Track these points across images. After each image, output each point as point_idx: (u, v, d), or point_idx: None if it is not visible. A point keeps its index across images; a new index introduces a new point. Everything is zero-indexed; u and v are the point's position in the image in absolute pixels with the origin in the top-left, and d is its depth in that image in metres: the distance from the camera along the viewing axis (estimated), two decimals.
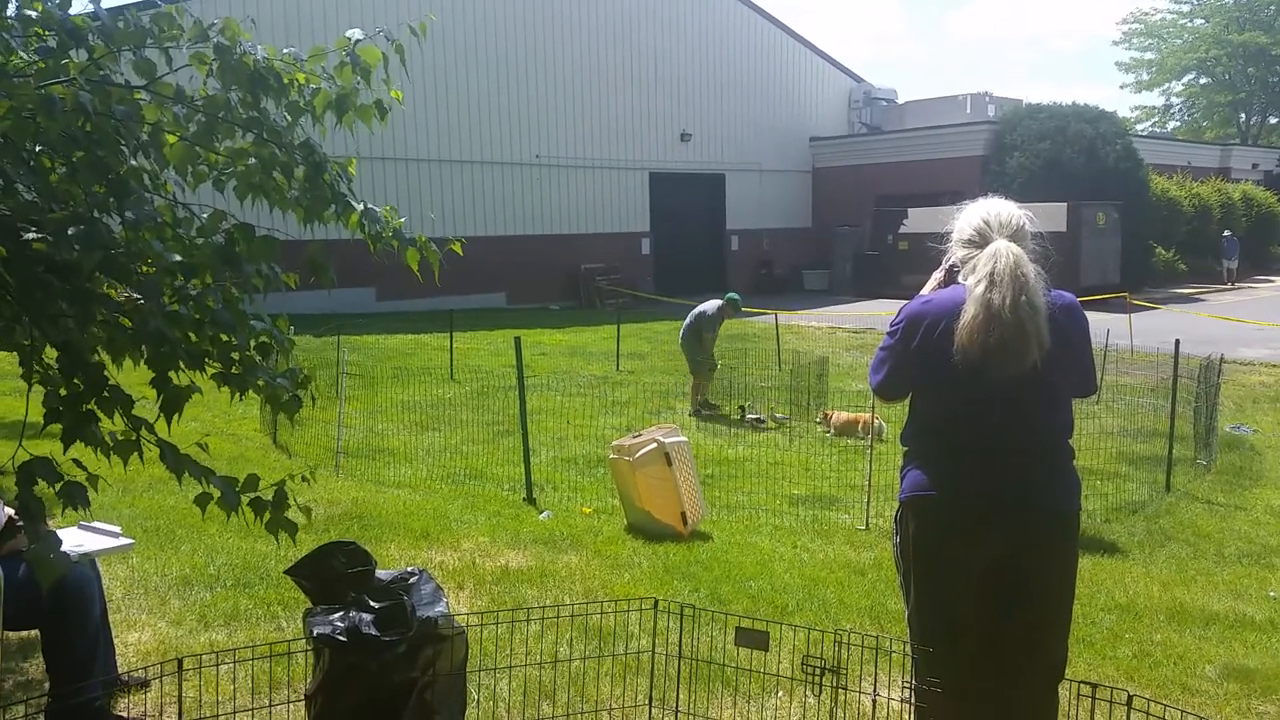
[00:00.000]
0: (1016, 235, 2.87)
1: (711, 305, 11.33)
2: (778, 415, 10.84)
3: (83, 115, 2.27)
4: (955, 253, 2.97)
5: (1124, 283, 22.60)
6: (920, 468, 2.93)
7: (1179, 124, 55.09)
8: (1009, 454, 2.80)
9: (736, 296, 11.53)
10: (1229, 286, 27.50)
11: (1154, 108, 55.72)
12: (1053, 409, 2.85)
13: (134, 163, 2.46)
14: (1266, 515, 7.21)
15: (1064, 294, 2.86)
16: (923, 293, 3.04)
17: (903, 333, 2.93)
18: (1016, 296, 2.68)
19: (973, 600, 2.86)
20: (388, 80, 2.72)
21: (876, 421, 9.81)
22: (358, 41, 2.67)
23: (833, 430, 10.18)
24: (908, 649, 3.08)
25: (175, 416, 2.39)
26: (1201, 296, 25.26)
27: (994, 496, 2.80)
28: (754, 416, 10.71)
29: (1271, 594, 5.52)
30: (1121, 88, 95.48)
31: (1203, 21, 49.79)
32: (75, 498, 2.21)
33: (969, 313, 2.72)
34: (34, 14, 2.43)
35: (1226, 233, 28.46)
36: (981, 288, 2.72)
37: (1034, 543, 2.81)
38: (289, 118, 2.66)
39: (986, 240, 2.86)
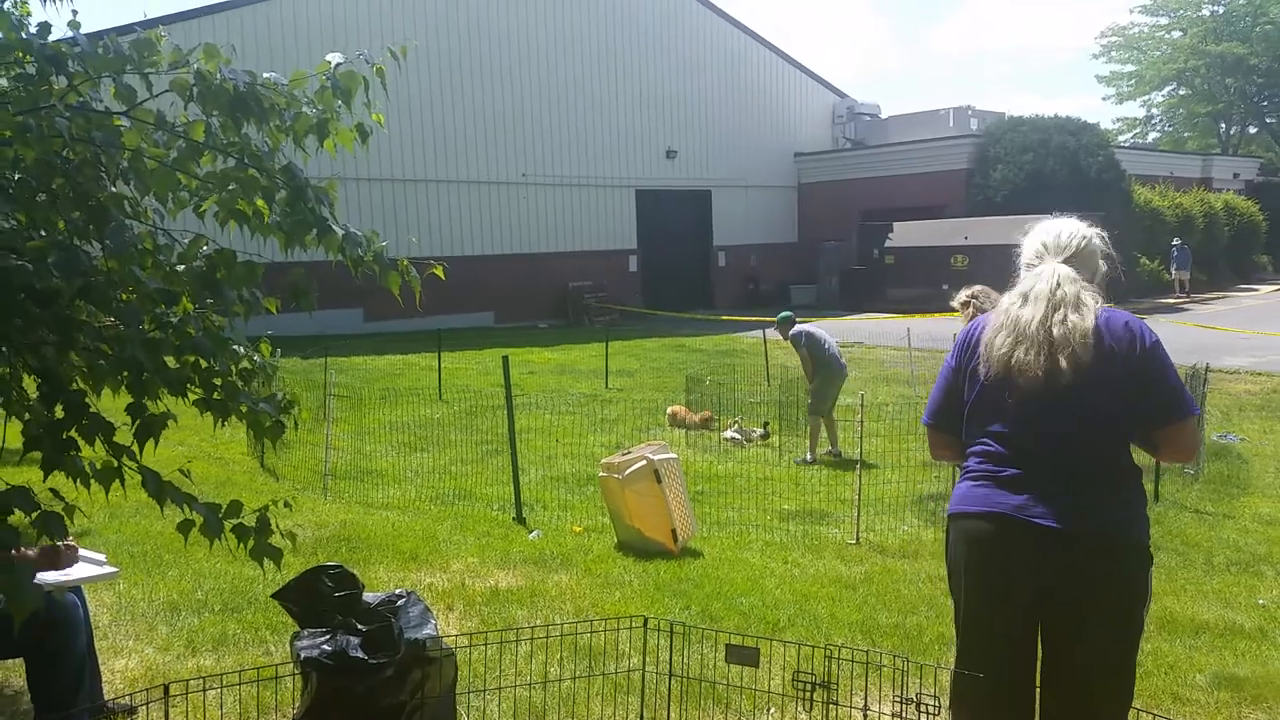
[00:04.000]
0: (1076, 256, 2.81)
1: None
2: (755, 433, 10.82)
3: (61, 141, 2.27)
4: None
5: (1108, 293, 22.69)
6: (967, 481, 2.83)
7: (1160, 135, 55.58)
8: (1049, 477, 2.66)
9: (781, 314, 10.58)
10: (1181, 298, 26.88)
11: (1135, 119, 56.32)
12: (1098, 433, 2.66)
13: (114, 189, 2.46)
14: (1255, 523, 7.24)
15: (1118, 313, 2.74)
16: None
17: (955, 354, 2.90)
18: (1050, 312, 2.64)
19: (1011, 624, 2.74)
20: (369, 104, 2.72)
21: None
22: (338, 66, 2.68)
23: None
24: (898, 663, 3.07)
25: (152, 443, 2.37)
26: (1186, 306, 25.41)
27: (1035, 519, 2.65)
28: (731, 435, 10.73)
29: (1261, 602, 5.54)
30: (1103, 99, 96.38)
31: (1180, 34, 50.29)
32: (52, 528, 2.19)
33: (994, 325, 2.72)
34: (12, 41, 2.43)
35: (1176, 241, 27.83)
36: (1014, 304, 2.72)
37: (1075, 572, 2.63)
38: (270, 142, 2.66)
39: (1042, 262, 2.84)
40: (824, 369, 9.77)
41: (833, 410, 9.95)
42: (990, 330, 2.72)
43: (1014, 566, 2.69)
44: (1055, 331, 2.61)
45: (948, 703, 2.89)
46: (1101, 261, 2.86)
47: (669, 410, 11.54)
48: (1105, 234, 2.91)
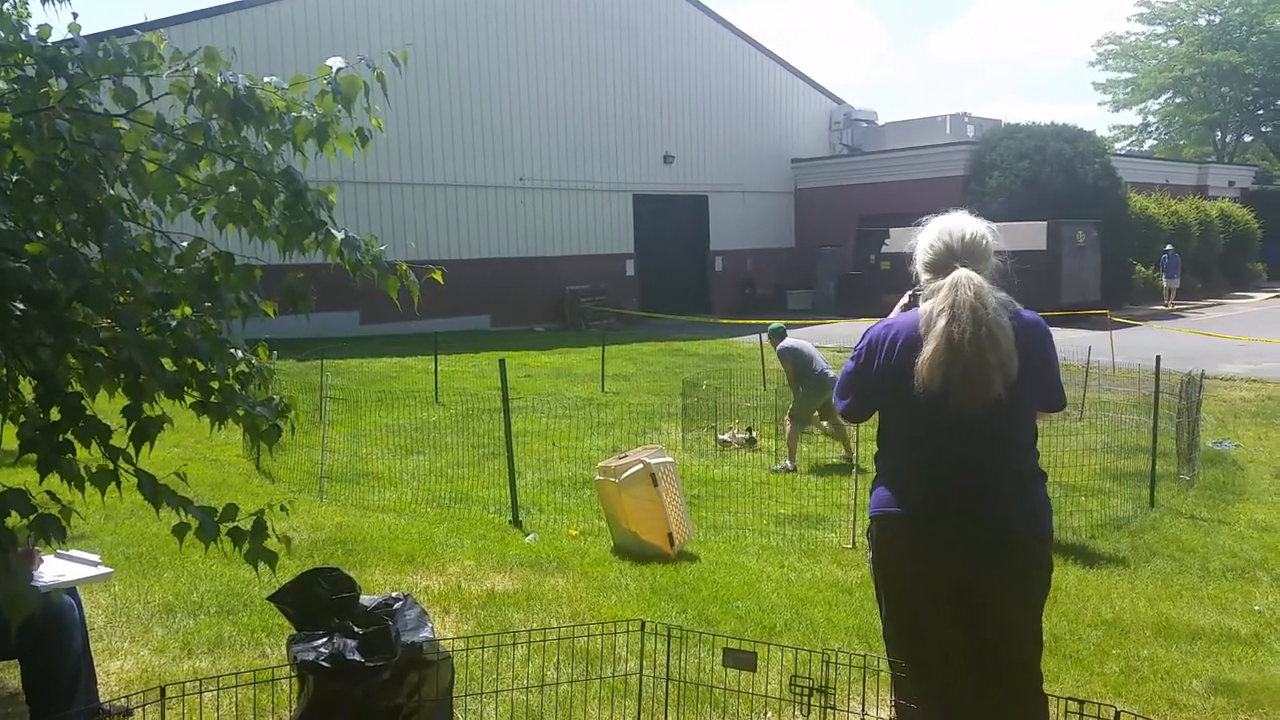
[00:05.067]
0: (977, 256, 2.87)
1: None
2: (741, 436, 10.87)
3: (61, 144, 2.27)
4: (919, 275, 2.97)
5: (1104, 300, 22.78)
6: (887, 484, 2.94)
7: (1156, 142, 55.70)
8: (970, 474, 2.80)
9: (773, 326, 10.72)
10: (1166, 307, 26.37)
11: (1132, 127, 56.38)
12: (1015, 430, 2.84)
13: (112, 191, 2.46)
14: (1250, 529, 7.25)
15: (1026, 312, 2.86)
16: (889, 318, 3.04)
17: (865, 355, 2.94)
18: (977, 329, 2.68)
19: (939, 619, 2.85)
20: (369, 108, 2.72)
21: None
22: (339, 70, 2.68)
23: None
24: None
25: (148, 446, 2.37)
26: (1182, 313, 25.47)
27: (953, 516, 2.79)
28: (724, 438, 10.79)
29: (1256, 608, 5.55)
30: (1099, 105, 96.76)
31: (1176, 42, 50.44)
32: (49, 530, 2.19)
33: (930, 346, 2.72)
34: (11, 42, 2.43)
35: (1168, 248, 27.32)
36: (943, 321, 2.71)
37: (994, 563, 2.79)
38: (269, 146, 2.66)
39: (945, 264, 2.86)
40: (808, 383, 9.83)
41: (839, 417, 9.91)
42: (927, 350, 2.72)
43: (945, 562, 2.82)
44: (985, 348, 2.67)
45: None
46: (994, 257, 2.92)
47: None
48: (994, 227, 2.97)
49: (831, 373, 9.85)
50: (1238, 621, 5.29)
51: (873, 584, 3.07)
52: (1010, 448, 2.83)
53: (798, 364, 9.93)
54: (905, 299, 3.11)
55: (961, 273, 2.78)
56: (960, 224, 2.94)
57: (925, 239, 2.97)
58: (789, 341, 10.17)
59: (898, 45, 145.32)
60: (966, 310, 2.70)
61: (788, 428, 9.92)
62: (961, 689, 2.87)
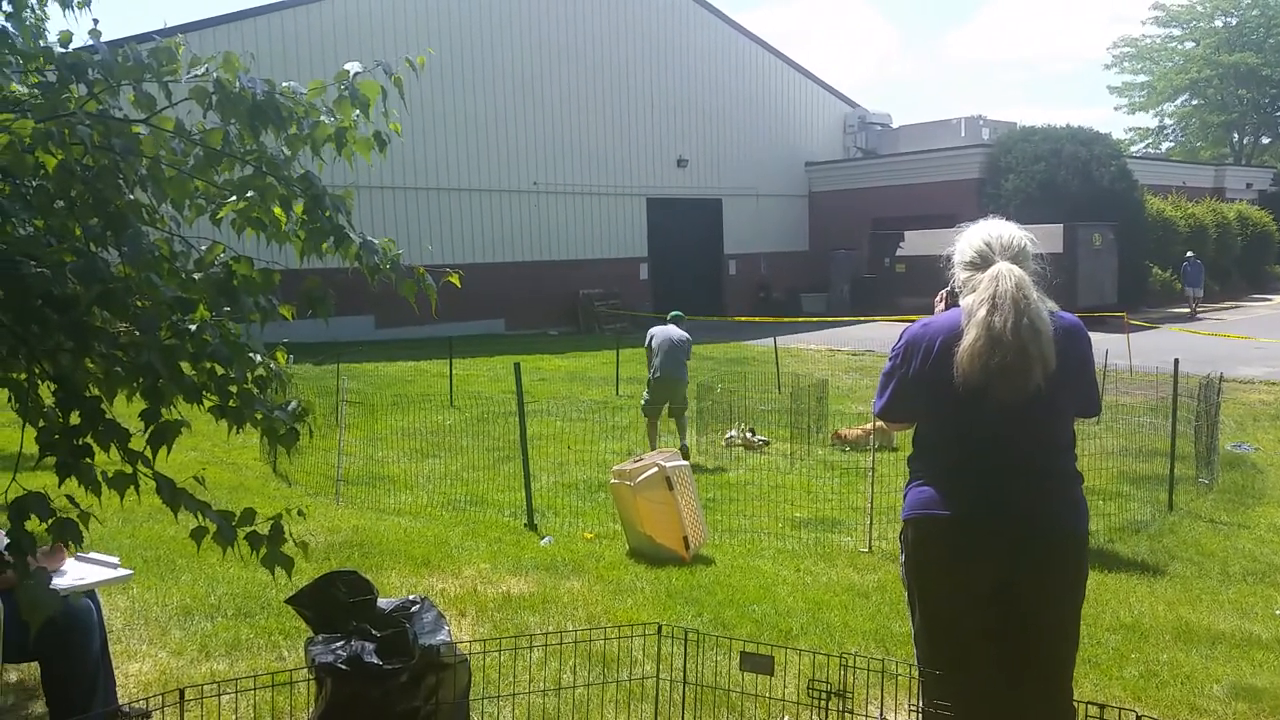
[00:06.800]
0: (1018, 256, 2.86)
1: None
2: (758, 436, 10.89)
3: (81, 149, 2.28)
4: (957, 275, 2.95)
5: (1121, 302, 22.65)
6: (923, 486, 2.91)
7: (1173, 145, 55.37)
8: (1012, 474, 2.78)
9: (672, 314, 10.56)
10: (1189, 311, 25.74)
11: (1148, 129, 56.09)
12: (1056, 430, 2.83)
13: (132, 196, 2.47)
14: (1270, 533, 7.18)
15: (1066, 315, 2.85)
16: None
17: (903, 356, 2.92)
18: (1019, 319, 2.66)
19: (976, 621, 2.84)
20: (386, 113, 2.73)
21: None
22: (356, 75, 2.69)
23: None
24: (914, 671, 3.06)
25: (165, 450, 2.38)
26: (1200, 315, 25.28)
27: (995, 516, 2.77)
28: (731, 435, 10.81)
29: (1277, 612, 5.49)
30: (1115, 109, 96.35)
31: (1192, 44, 50.14)
32: (68, 534, 2.20)
33: (970, 336, 2.70)
34: (32, 48, 2.45)
35: (1190, 255, 26.71)
36: (984, 311, 2.70)
37: (1036, 565, 2.78)
38: (287, 151, 2.67)
39: (988, 262, 2.84)
40: (659, 371, 9.93)
41: (683, 412, 10.16)
42: (967, 340, 2.70)
43: (986, 562, 2.80)
44: (1026, 339, 2.66)
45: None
46: (1034, 262, 2.92)
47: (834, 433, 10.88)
48: (1034, 238, 2.98)
49: (679, 374, 9.94)
50: (1259, 626, 5.24)
51: (904, 586, 3.04)
52: (1051, 447, 2.82)
53: (649, 349, 10.08)
54: (943, 300, 3.09)
55: (1003, 265, 2.78)
56: (1001, 227, 2.95)
57: (967, 240, 2.97)
58: (655, 326, 10.26)
59: (909, 46, 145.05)
60: (1009, 300, 2.69)
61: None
62: (994, 691, 2.85)
